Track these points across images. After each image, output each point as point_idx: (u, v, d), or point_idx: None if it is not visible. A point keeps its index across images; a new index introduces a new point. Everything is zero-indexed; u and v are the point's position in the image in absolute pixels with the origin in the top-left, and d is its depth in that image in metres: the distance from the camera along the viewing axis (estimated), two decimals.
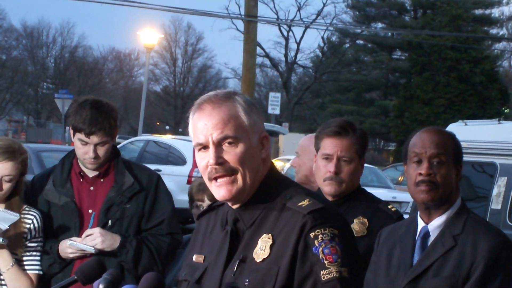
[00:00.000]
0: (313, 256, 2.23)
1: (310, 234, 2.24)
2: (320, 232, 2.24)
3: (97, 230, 3.81)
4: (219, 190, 2.33)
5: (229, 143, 2.32)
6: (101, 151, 3.84)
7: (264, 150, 2.39)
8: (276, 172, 2.43)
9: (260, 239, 2.31)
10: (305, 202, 2.29)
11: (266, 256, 2.28)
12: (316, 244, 2.23)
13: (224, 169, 2.31)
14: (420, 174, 2.91)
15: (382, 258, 3.05)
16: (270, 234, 2.30)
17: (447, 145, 2.94)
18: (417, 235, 2.97)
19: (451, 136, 3.01)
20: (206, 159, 2.34)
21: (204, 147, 2.34)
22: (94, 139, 3.81)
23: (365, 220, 3.45)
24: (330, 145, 3.50)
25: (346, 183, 3.49)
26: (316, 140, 3.61)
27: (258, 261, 2.28)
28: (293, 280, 2.24)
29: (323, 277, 2.21)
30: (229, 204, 2.40)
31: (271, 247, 2.28)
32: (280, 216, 2.31)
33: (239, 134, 2.32)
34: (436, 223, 2.93)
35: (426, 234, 2.94)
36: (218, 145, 2.32)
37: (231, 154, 2.31)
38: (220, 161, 2.30)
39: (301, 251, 2.24)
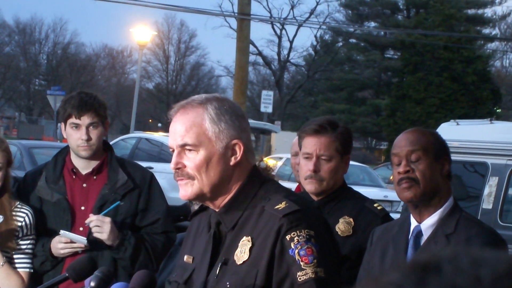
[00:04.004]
0: (290, 258, 2.27)
1: (286, 237, 2.28)
2: (296, 234, 2.28)
3: (108, 220, 3.80)
4: (180, 190, 2.41)
5: (189, 150, 2.39)
6: (94, 134, 3.86)
7: (235, 157, 2.41)
8: (258, 175, 2.46)
9: (240, 242, 2.36)
10: (281, 205, 2.33)
11: (246, 259, 2.33)
12: (292, 246, 2.27)
13: (182, 174, 2.39)
14: (399, 172, 2.94)
15: (375, 257, 3.06)
16: (249, 237, 2.35)
17: (424, 142, 2.95)
18: (410, 234, 2.98)
19: (431, 133, 3.04)
20: None
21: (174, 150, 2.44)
22: (85, 120, 3.83)
23: (351, 219, 3.46)
24: (309, 143, 3.52)
25: (327, 181, 3.49)
26: (299, 139, 3.65)
27: (238, 263, 2.34)
28: (272, 282, 2.29)
29: (300, 279, 2.26)
30: (210, 206, 2.46)
31: (250, 249, 2.33)
32: (259, 219, 2.36)
33: (200, 141, 2.38)
34: (429, 223, 2.94)
35: (418, 234, 2.95)
36: (181, 150, 2.40)
37: (191, 160, 2.38)
38: (178, 166, 2.39)
39: (278, 253, 2.29)
